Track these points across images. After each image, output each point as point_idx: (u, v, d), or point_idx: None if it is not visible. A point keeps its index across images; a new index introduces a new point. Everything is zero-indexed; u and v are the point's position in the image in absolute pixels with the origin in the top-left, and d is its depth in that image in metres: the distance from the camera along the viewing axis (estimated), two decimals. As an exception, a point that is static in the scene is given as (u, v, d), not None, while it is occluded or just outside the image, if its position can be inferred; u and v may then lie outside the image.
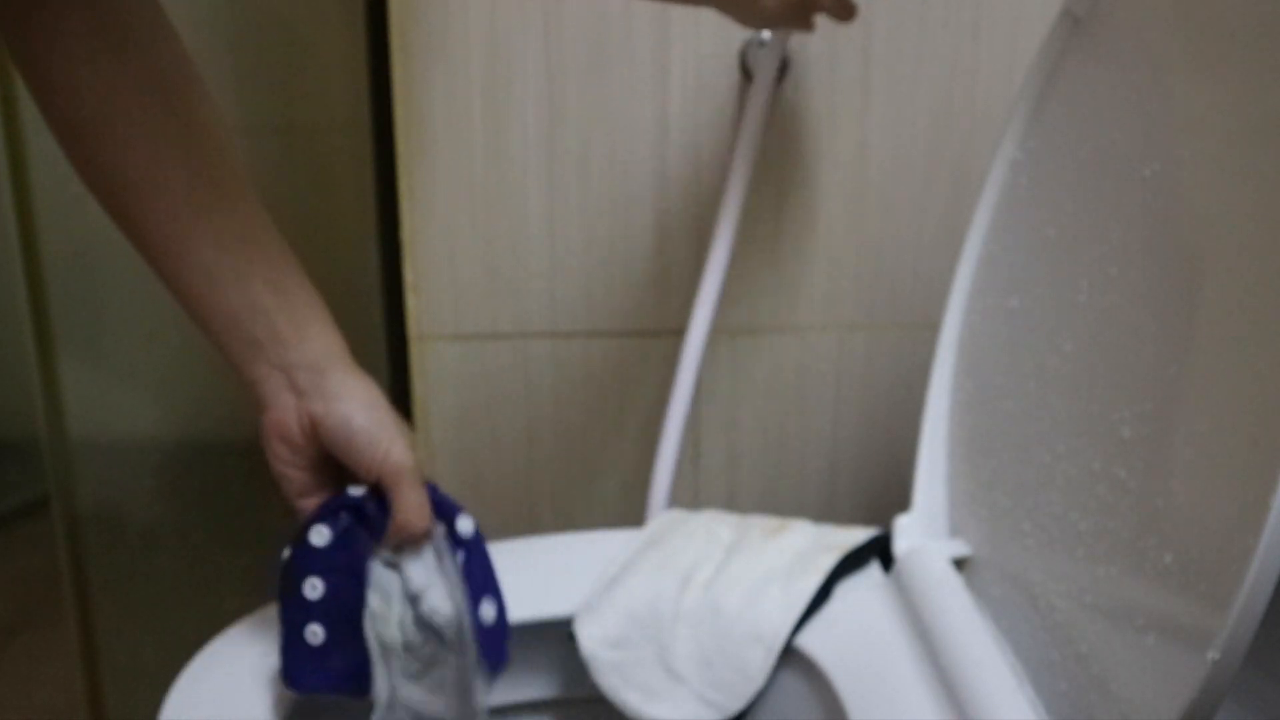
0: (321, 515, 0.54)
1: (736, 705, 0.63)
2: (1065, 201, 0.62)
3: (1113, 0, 0.61)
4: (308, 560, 0.54)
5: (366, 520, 0.55)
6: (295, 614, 0.54)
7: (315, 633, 0.54)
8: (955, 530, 0.71)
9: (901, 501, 0.74)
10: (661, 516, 0.76)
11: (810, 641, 0.65)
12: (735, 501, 0.97)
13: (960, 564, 0.68)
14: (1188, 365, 0.48)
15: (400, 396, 0.97)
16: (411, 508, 0.54)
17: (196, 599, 1.00)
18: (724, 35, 0.86)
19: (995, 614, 0.63)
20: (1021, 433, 0.63)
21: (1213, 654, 0.41)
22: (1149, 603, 0.48)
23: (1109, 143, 0.58)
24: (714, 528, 0.72)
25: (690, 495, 0.97)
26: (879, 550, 0.72)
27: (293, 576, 0.54)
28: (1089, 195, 0.59)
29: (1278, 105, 0.44)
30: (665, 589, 0.67)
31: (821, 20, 0.85)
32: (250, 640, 0.63)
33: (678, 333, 0.85)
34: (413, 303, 0.91)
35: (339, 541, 0.54)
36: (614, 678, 0.65)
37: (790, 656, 0.65)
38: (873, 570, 0.71)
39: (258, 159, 0.93)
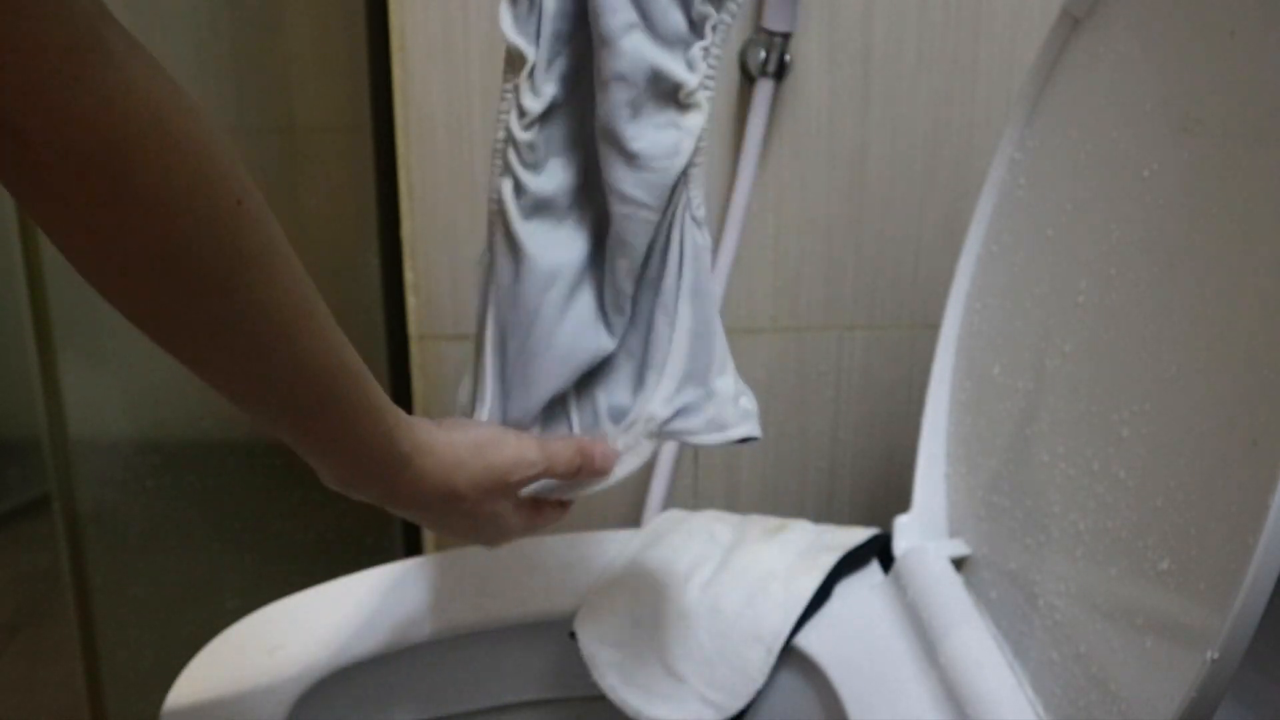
0: None
1: (736, 705, 0.63)
2: (1065, 201, 0.62)
3: (1112, 0, 0.61)
4: None
5: None
6: None
7: None
8: (954, 530, 0.71)
9: (901, 501, 0.74)
10: (661, 516, 0.76)
11: (810, 641, 0.65)
12: (735, 501, 0.97)
13: (959, 564, 0.68)
14: (1187, 365, 0.48)
15: (400, 396, 0.96)
16: None
17: (196, 599, 1.00)
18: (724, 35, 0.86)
19: (994, 614, 0.63)
20: (1021, 433, 0.63)
21: (1212, 654, 0.41)
22: (1148, 603, 0.48)
23: (1109, 143, 0.58)
24: (714, 527, 0.72)
25: (690, 495, 0.97)
26: (879, 550, 0.72)
27: None
28: (1089, 195, 0.59)
29: (1278, 104, 0.45)
30: (665, 589, 0.67)
31: (821, 20, 0.85)
32: (250, 640, 0.63)
33: (678, 333, 0.85)
34: (413, 303, 0.91)
35: None
36: (614, 677, 0.65)
37: (790, 656, 0.65)
38: (872, 570, 0.71)
39: (258, 159, 0.93)
